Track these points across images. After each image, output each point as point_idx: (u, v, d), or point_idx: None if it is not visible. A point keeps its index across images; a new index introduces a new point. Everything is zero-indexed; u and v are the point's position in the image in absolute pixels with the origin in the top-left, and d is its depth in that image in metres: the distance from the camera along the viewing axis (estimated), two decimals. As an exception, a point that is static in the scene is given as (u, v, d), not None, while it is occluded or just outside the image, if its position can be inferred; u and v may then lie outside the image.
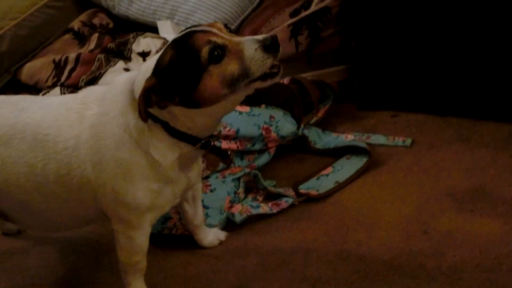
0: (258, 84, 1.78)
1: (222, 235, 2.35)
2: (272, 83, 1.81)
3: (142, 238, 2.01)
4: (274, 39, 1.73)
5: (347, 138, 2.78)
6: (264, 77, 1.76)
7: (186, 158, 1.92)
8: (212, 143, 1.92)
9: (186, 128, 1.84)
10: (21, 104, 2.04)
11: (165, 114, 1.82)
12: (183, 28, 3.34)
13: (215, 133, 1.97)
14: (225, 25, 1.81)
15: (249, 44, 1.74)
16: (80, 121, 1.90)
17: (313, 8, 3.12)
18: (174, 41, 1.78)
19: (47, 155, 1.91)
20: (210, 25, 1.79)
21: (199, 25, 1.81)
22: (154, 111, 1.80)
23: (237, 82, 1.75)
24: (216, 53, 1.73)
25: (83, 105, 1.92)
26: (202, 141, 1.88)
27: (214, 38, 1.74)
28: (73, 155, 1.89)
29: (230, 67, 1.73)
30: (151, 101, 1.75)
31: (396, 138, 2.77)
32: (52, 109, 1.97)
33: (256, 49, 1.73)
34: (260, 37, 1.75)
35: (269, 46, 1.73)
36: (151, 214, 1.98)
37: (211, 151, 1.95)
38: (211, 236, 2.33)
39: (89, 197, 1.96)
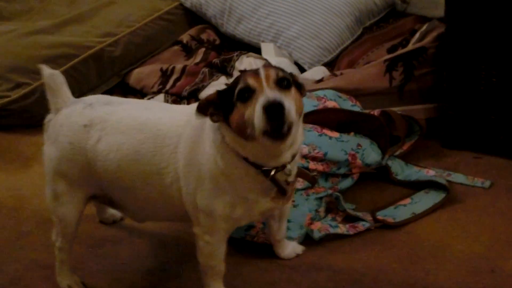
0: (266, 140, 1.78)
1: (299, 248, 2.41)
2: (278, 144, 1.79)
3: (218, 244, 2.08)
4: (272, 105, 1.72)
5: (428, 173, 2.80)
6: (267, 133, 1.76)
7: (260, 182, 1.96)
8: (271, 174, 1.92)
9: (241, 152, 1.90)
10: (147, 105, 2.24)
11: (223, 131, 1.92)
12: (285, 52, 3.52)
13: (287, 165, 1.94)
14: (280, 78, 1.82)
15: (261, 99, 1.76)
16: (186, 123, 2.03)
17: (410, 46, 3.19)
18: (240, 72, 1.89)
19: (156, 147, 2.04)
20: (266, 69, 1.83)
21: (266, 64, 1.87)
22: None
23: (252, 126, 1.78)
24: (245, 94, 1.80)
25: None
26: (263, 168, 1.92)
27: (251, 81, 1.80)
28: (173, 151, 2.02)
29: (248, 110, 1.80)
30: (209, 111, 1.89)
31: (476, 178, 2.78)
32: (171, 112, 2.14)
33: (261, 105, 1.75)
34: (271, 96, 1.74)
35: (267, 108, 1.73)
36: (226, 224, 2.04)
37: (272, 181, 1.94)
38: (289, 248, 2.39)
39: (176, 195, 2.06)
